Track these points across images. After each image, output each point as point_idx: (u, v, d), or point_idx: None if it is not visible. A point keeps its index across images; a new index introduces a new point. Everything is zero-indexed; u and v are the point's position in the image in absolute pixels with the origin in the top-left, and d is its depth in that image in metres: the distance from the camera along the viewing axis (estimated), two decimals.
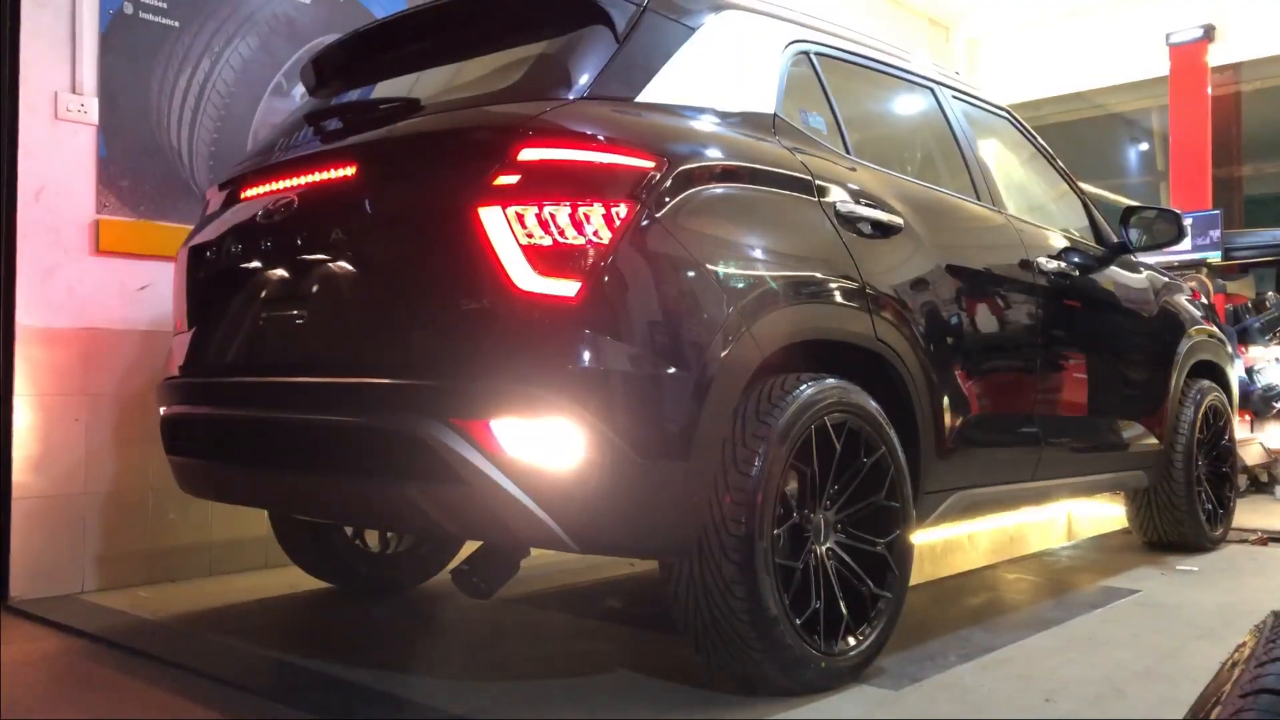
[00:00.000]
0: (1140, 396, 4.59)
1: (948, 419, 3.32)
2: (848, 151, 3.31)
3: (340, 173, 2.85)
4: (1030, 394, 3.83)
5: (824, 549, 2.84)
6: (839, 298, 2.93)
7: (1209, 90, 9.74)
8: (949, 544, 5.33)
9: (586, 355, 2.35)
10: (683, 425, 2.46)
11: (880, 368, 3.09)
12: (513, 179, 2.43)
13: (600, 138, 2.50)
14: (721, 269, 2.59)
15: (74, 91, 4.19)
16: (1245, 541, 5.26)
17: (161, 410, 3.39)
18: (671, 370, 2.45)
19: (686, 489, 2.51)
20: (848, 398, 2.89)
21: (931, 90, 3.99)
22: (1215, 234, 8.81)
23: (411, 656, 3.17)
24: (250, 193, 3.16)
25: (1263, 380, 7.64)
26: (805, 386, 2.77)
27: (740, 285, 2.62)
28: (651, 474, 2.42)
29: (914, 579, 3.19)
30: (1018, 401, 3.77)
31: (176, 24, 4.49)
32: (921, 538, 3.86)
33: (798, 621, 2.70)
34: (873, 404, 2.96)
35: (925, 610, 3.79)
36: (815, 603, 2.77)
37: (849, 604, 2.87)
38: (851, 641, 2.84)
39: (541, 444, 2.38)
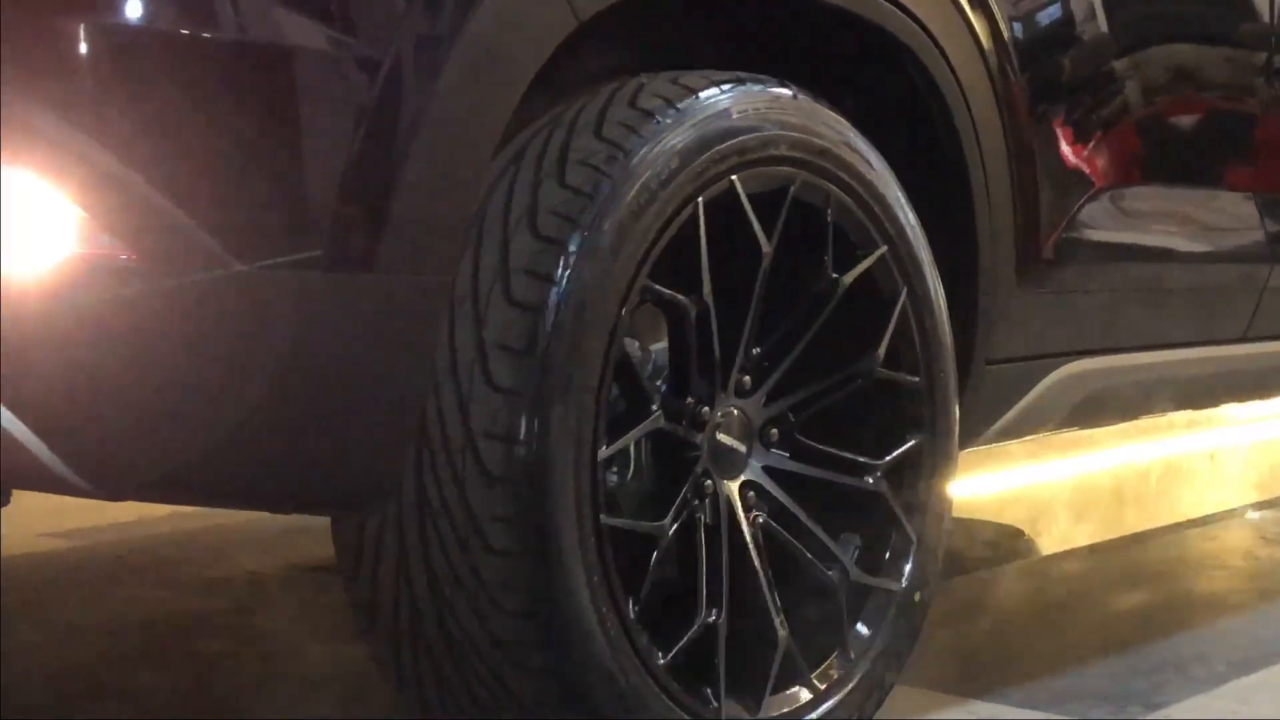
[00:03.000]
0: None
1: (1047, 192, 2.09)
2: None
3: None
4: (1246, 157, 2.56)
5: (734, 490, 1.70)
6: None
7: None
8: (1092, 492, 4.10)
9: None
10: (357, 184, 1.38)
11: (893, 75, 1.90)
12: None
13: None
14: None
15: None
16: None
17: None
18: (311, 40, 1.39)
19: (373, 341, 1.42)
20: (810, 134, 1.69)
21: None
22: None
23: None
24: None
25: None
26: (707, 94, 1.62)
27: None
28: (278, 303, 1.36)
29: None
30: (1216, 167, 2.51)
31: None
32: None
33: (662, 659, 1.57)
34: (868, 154, 1.77)
35: (1021, 620, 2.64)
36: (708, 615, 1.63)
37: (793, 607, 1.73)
38: (803, 696, 1.71)
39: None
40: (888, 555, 1.77)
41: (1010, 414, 2.09)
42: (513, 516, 1.45)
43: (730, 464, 1.67)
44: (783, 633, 1.64)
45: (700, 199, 1.55)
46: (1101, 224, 2.21)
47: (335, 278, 1.36)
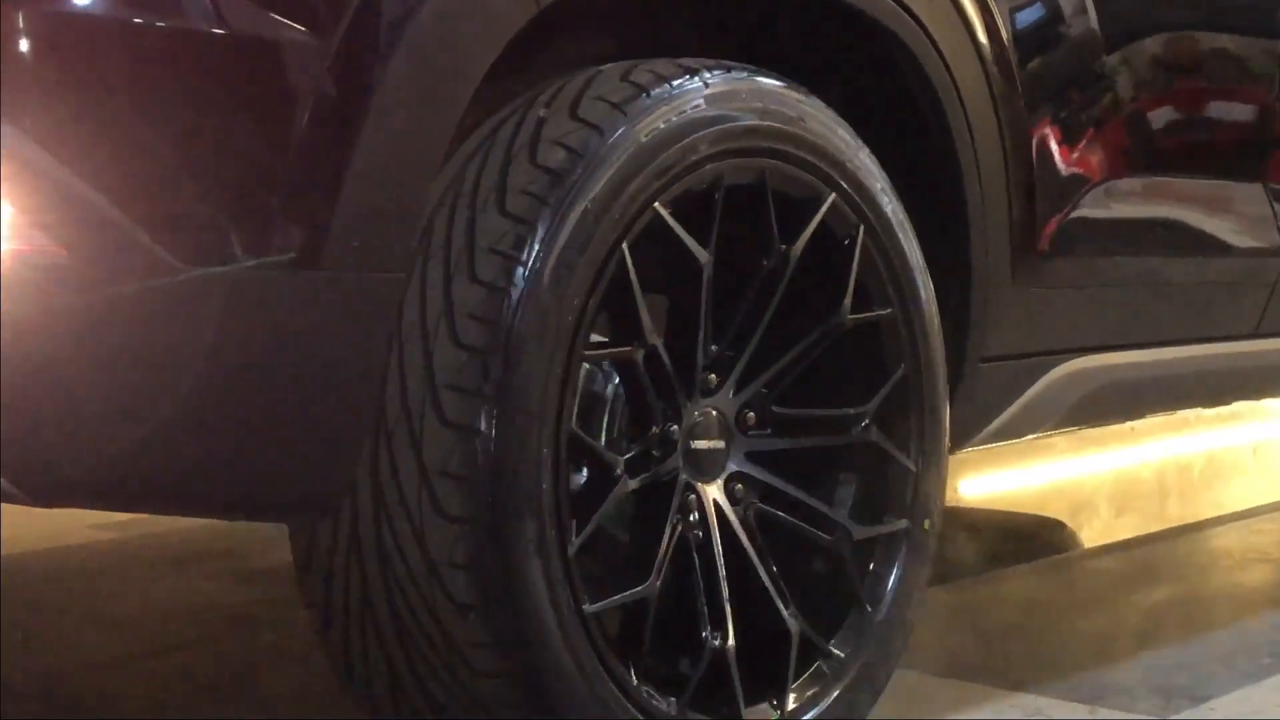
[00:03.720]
0: None
1: (1043, 185, 1.97)
2: None
3: None
4: (1257, 148, 2.42)
5: (720, 489, 1.60)
6: None
7: None
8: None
9: None
10: (302, 178, 1.31)
11: (882, 66, 1.80)
12: None
13: None
14: None
15: None
16: None
17: None
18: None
19: (318, 341, 1.33)
20: (730, 119, 1.53)
21: None
22: None
23: None
24: None
25: None
26: (611, 125, 1.45)
27: None
28: (214, 303, 1.28)
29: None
30: (1224, 158, 2.38)
31: None
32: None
33: (675, 709, 1.51)
34: (801, 108, 1.61)
35: (1064, 613, 2.54)
36: (713, 639, 1.56)
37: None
38: (826, 670, 1.64)
39: None
40: (890, 495, 1.68)
41: (1007, 413, 2.00)
42: (492, 641, 1.37)
43: (711, 465, 1.58)
44: (794, 624, 1.56)
45: (625, 243, 1.42)
46: (1101, 217, 2.11)
47: (277, 275, 1.27)
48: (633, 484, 1.46)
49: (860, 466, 1.67)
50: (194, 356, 1.26)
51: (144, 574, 2.84)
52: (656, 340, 1.46)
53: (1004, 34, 1.89)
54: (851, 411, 1.63)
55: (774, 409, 1.61)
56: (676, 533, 1.51)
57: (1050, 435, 2.38)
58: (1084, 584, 2.77)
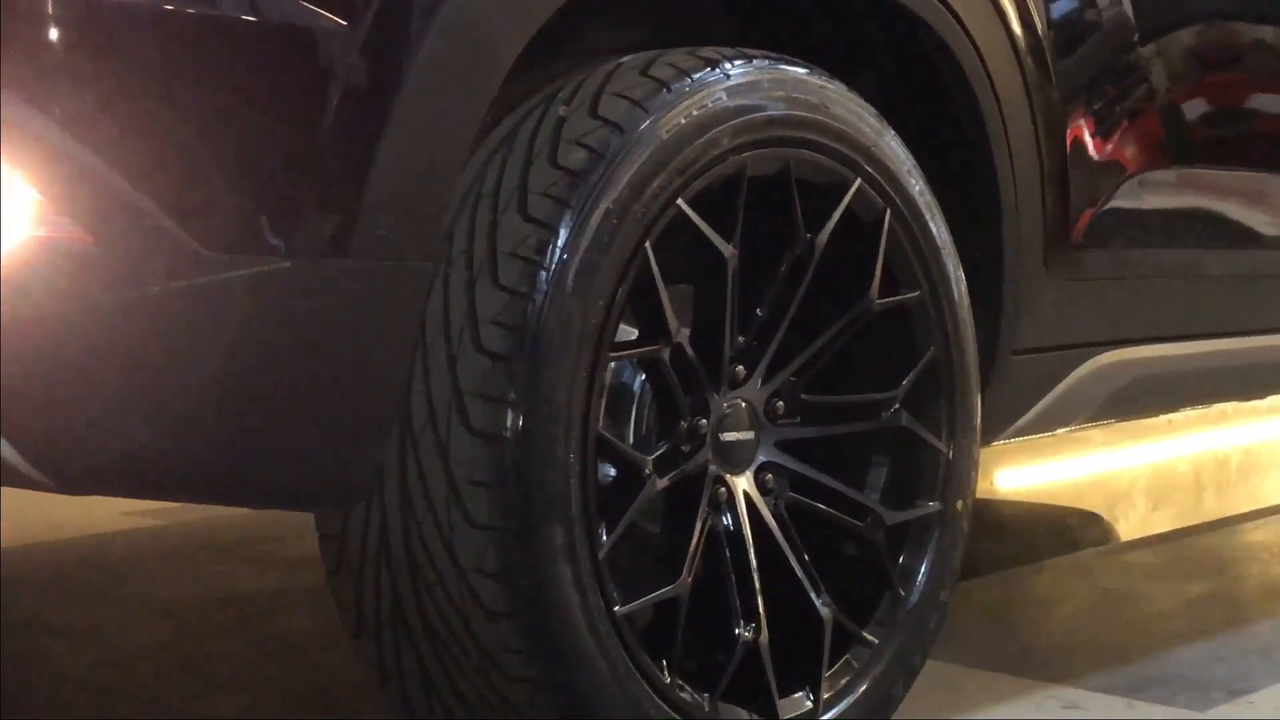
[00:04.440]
0: None
1: (1077, 175, 1.95)
2: None
3: None
4: None
5: (750, 480, 1.58)
6: None
7: None
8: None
9: None
10: (330, 165, 1.30)
11: (913, 52, 1.77)
12: None
13: None
14: None
15: None
16: None
17: None
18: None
19: (346, 330, 1.33)
20: (751, 111, 1.50)
21: None
22: None
23: None
24: None
25: None
26: (630, 118, 1.43)
27: None
28: (241, 292, 1.27)
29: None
30: (1264, 148, 2.34)
31: None
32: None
33: (708, 707, 1.50)
34: (821, 92, 1.57)
35: (1101, 605, 2.52)
36: (745, 631, 1.54)
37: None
38: (860, 656, 1.63)
39: None
40: (921, 479, 1.66)
41: (1040, 406, 1.98)
42: (524, 647, 1.36)
43: (741, 456, 1.56)
44: (826, 612, 1.55)
45: (648, 243, 1.40)
46: (1136, 209, 2.08)
47: (305, 264, 1.27)
48: (662, 482, 1.43)
49: (891, 451, 1.65)
50: (221, 344, 1.26)
51: (179, 561, 2.82)
52: (682, 337, 1.43)
53: (1039, 23, 1.86)
54: (882, 396, 1.61)
55: (803, 397, 1.59)
56: (707, 526, 1.48)
57: (1086, 428, 2.37)
58: (1120, 577, 2.72)
